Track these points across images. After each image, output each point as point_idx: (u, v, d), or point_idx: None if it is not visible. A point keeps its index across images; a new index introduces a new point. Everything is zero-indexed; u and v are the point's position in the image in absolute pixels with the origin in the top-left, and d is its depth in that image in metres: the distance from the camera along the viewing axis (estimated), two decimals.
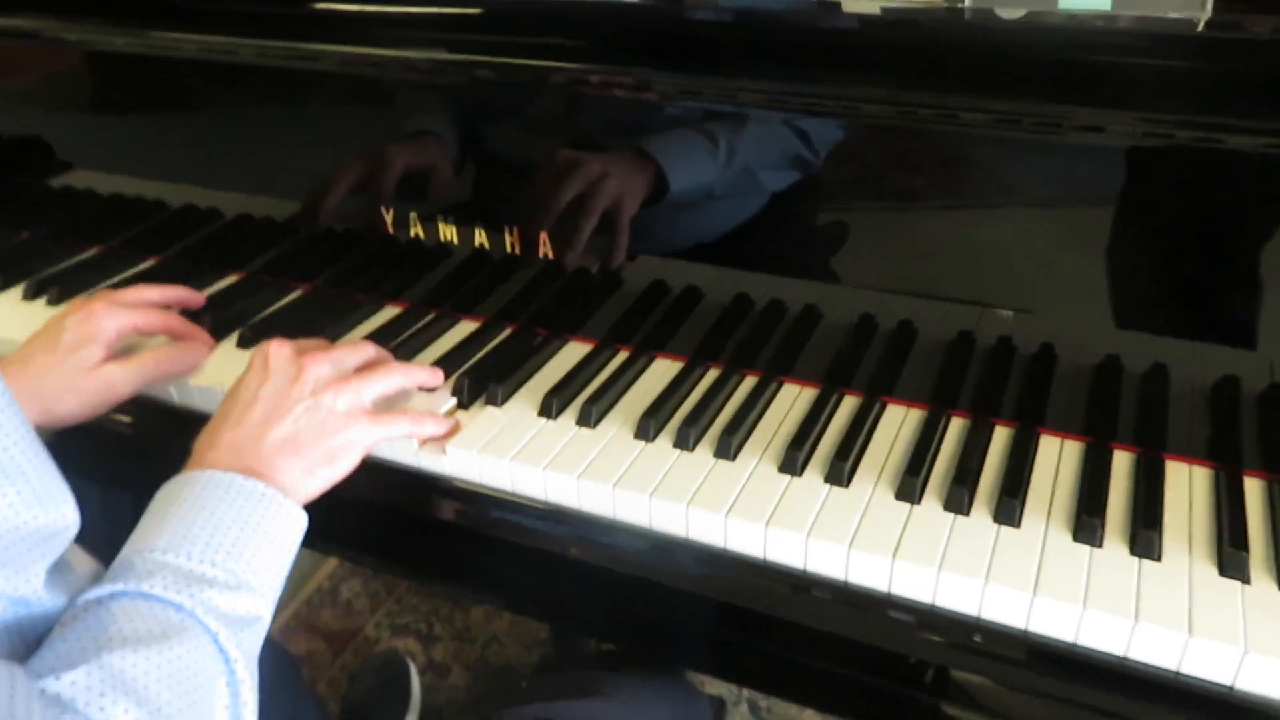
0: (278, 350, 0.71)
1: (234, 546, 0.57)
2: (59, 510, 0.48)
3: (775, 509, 0.67)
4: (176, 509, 0.58)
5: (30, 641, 0.49)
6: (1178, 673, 0.57)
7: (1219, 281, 0.69)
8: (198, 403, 0.83)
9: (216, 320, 0.89)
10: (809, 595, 0.66)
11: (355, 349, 0.76)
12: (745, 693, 1.55)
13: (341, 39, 0.86)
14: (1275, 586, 0.59)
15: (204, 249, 1.01)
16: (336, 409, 0.69)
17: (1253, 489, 0.67)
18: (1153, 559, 0.62)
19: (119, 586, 0.52)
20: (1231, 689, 0.56)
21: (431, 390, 0.80)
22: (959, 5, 0.69)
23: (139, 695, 0.46)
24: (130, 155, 1.03)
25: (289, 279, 0.97)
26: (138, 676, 0.47)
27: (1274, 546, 0.62)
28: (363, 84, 0.88)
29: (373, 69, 0.86)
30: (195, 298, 0.89)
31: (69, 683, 0.45)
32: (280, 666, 1.27)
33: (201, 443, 0.66)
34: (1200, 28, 0.65)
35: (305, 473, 0.66)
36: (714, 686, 1.55)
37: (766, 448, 0.72)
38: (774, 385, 0.79)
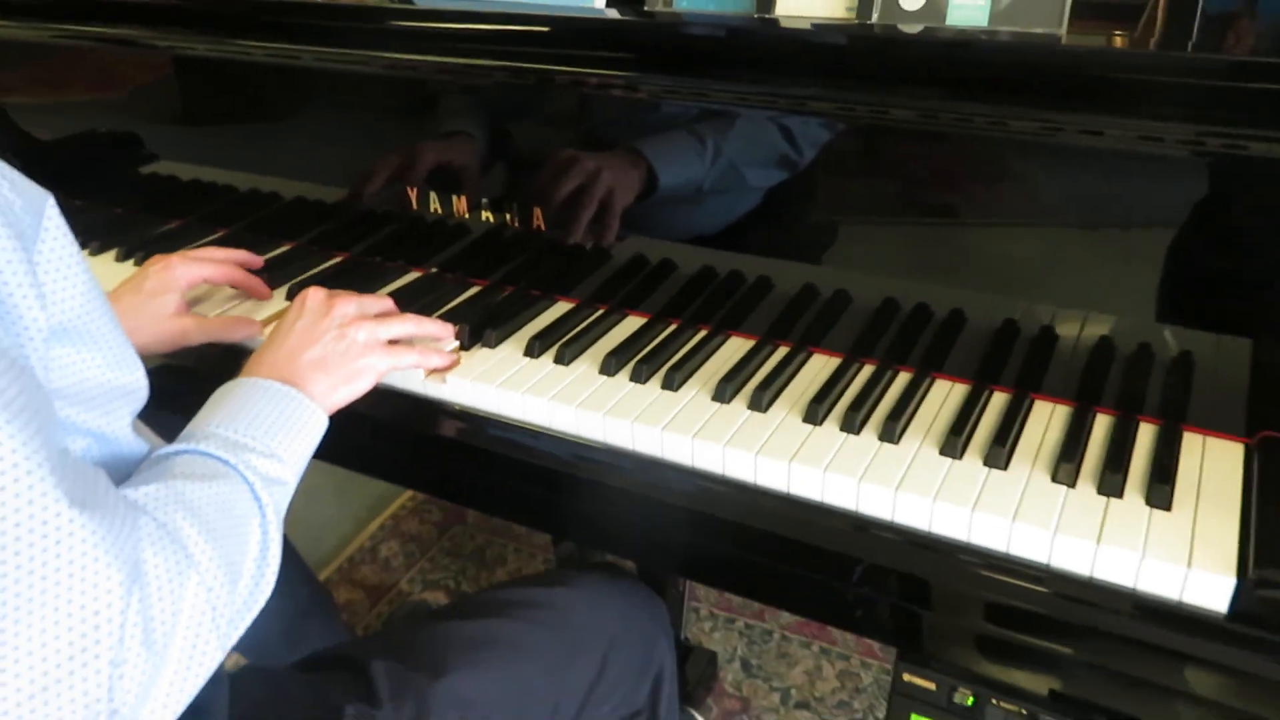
0: (314, 293, 0.88)
1: (269, 429, 0.74)
2: (133, 374, 0.65)
3: (702, 428, 0.82)
4: (227, 402, 0.76)
5: (117, 481, 0.66)
6: (1007, 554, 0.71)
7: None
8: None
9: (272, 279, 1.07)
10: (736, 496, 0.80)
11: (378, 298, 0.93)
12: (739, 650, 1.69)
13: (385, 47, 1.03)
14: (1094, 490, 0.73)
15: (264, 223, 1.20)
16: (358, 340, 0.86)
17: (1103, 422, 0.81)
18: (1000, 468, 0.75)
19: (181, 446, 0.69)
20: (1048, 565, 0.70)
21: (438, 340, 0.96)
22: (868, 21, 0.85)
23: (195, 512, 0.63)
24: (206, 148, 1.23)
25: (331, 248, 1.15)
26: (194, 499, 0.64)
27: (1104, 462, 0.75)
28: (404, 85, 1.05)
29: (410, 71, 1.03)
30: (254, 259, 1.07)
31: (143, 493, 0.62)
32: (318, 598, 1.45)
33: (250, 362, 0.84)
34: (1063, 39, 0.79)
35: (330, 388, 0.83)
36: (710, 643, 1.69)
37: (705, 383, 0.88)
38: (720, 337, 0.95)
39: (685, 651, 1.57)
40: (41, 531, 0.51)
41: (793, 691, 1.62)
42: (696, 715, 1.50)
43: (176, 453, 0.70)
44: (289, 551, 1.13)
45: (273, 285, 1.07)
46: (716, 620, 1.76)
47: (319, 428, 0.80)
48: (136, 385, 0.67)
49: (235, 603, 0.64)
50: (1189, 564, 0.66)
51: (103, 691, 0.53)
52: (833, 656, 1.68)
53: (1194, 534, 0.68)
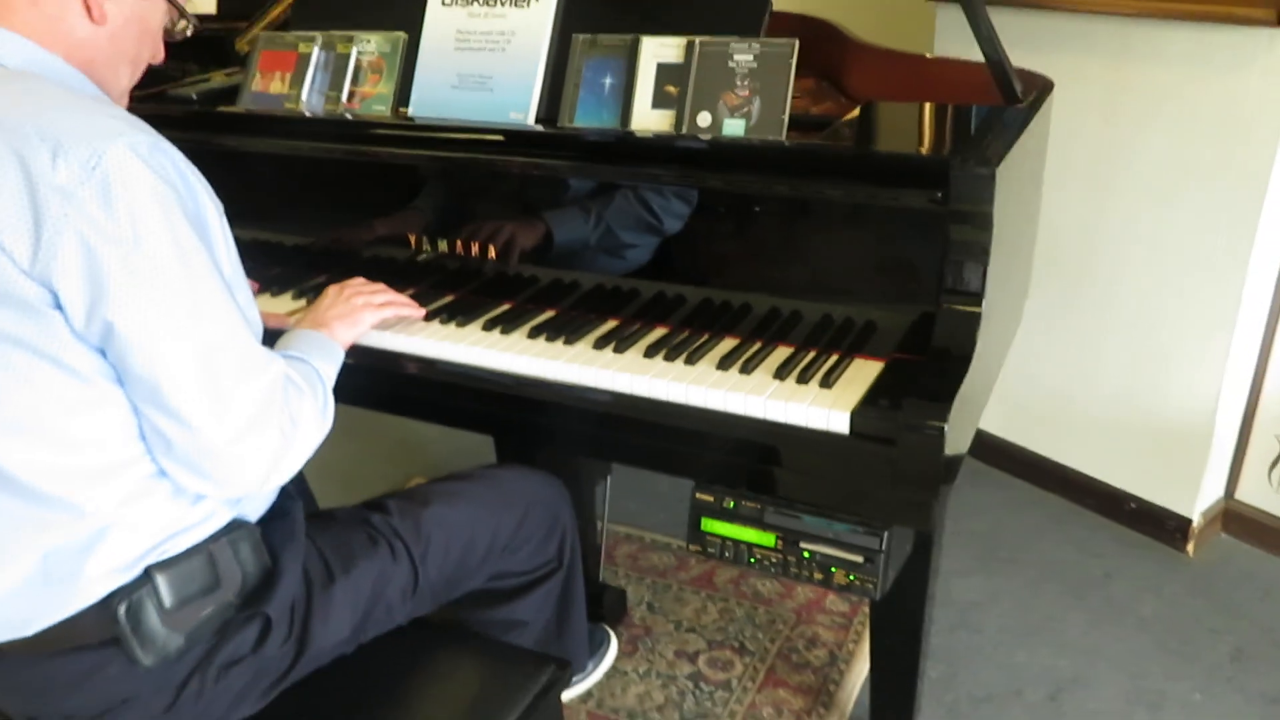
0: (333, 286, 1.48)
1: (316, 351, 1.31)
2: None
3: (587, 362, 1.41)
4: (297, 338, 1.33)
5: None
6: (744, 414, 1.30)
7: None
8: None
9: (282, 287, 1.67)
10: (590, 395, 1.39)
11: (369, 282, 1.51)
12: (645, 597, 2.23)
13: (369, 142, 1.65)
14: (795, 382, 1.32)
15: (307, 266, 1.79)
16: (357, 304, 1.45)
17: (810, 353, 1.40)
18: (747, 375, 1.35)
19: (281, 352, 1.27)
20: (764, 418, 1.29)
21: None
22: (682, 132, 1.47)
23: (301, 373, 1.20)
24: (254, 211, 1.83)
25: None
26: (298, 368, 1.21)
27: (802, 370, 1.35)
28: (390, 170, 1.67)
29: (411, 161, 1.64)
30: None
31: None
32: None
33: (304, 317, 1.42)
34: (784, 142, 1.42)
35: (342, 329, 1.40)
36: (619, 583, 2.23)
37: (589, 341, 1.47)
38: (597, 318, 1.54)
39: (602, 589, 2.11)
40: (252, 359, 1.09)
41: (683, 622, 2.16)
42: (610, 630, 2.04)
43: (281, 354, 1.28)
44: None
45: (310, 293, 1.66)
46: (630, 578, 2.30)
47: (340, 353, 1.37)
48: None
49: (322, 421, 1.21)
50: (830, 408, 1.25)
51: (279, 432, 1.10)
52: (715, 600, 2.23)
53: (838, 399, 1.28)
